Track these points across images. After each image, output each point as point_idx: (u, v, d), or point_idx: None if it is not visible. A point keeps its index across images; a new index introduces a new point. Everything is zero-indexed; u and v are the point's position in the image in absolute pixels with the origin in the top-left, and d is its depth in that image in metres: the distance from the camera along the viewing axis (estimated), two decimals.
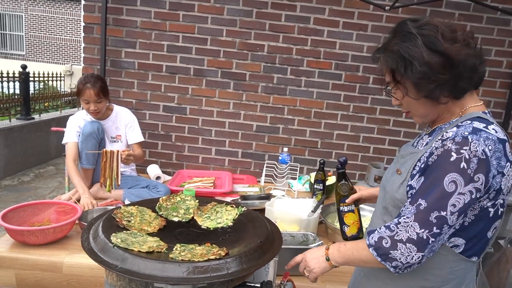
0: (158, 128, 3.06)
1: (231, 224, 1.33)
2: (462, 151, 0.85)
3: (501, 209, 0.93)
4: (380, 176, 2.71)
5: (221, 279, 0.94)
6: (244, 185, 2.78)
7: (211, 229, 1.29)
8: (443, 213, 0.86)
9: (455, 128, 0.91)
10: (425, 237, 0.87)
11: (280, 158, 2.87)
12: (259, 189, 2.69)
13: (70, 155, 2.24)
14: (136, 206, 1.34)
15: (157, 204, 1.40)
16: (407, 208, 0.91)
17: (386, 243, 0.91)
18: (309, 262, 1.12)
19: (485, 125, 0.89)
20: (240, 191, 2.64)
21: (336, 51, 2.92)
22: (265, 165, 2.86)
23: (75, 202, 1.99)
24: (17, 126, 4.82)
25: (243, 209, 1.41)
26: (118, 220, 1.21)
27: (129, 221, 1.23)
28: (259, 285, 1.23)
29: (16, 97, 4.96)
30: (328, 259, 1.07)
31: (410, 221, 0.88)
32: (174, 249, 1.09)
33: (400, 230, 0.89)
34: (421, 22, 0.92)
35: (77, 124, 2.34)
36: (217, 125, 3.06)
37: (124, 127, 2.49)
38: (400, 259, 0.89)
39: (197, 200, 1.48)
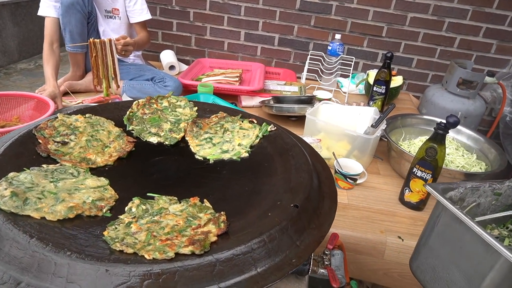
0: (171, 2, 2.35)
1: (247, 155, 0.76)
2: None
3: None
4: (466, 80, 1.97)
5: None
6: (279, 82, 2.14)
7: (211, 162, 0.74)
8: None
9: None
10: None
11: (329, 48, 2.15)
12: (298, 89, 2.06)
13: (46, 35, 1.67)
14: (86, 116, 0.78)
15: (127, 112, 0.84)
16: None
17: None
18: None
19: None
20: (273, 90, 2.02)
21: None
22: (309, 56, 2.16)
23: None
24: (24, 0, 4.22)
25: (269, 128, 0.82)
26: (41, 141, 0.67)
27: (65, 143, 0.70)
28: None
29: None
30: None
31: None
32: (126, 209, 0.56)
33: None
34: None
35: None
36: None
37: None
38: None
39: (196, 108, 0.90)
